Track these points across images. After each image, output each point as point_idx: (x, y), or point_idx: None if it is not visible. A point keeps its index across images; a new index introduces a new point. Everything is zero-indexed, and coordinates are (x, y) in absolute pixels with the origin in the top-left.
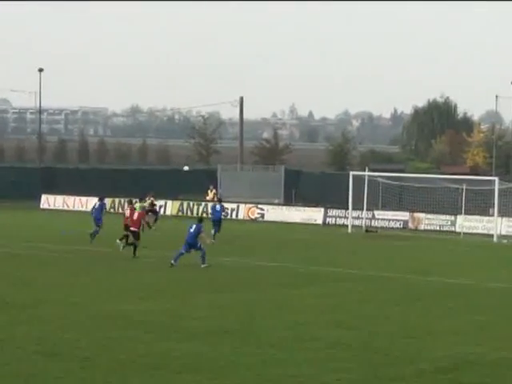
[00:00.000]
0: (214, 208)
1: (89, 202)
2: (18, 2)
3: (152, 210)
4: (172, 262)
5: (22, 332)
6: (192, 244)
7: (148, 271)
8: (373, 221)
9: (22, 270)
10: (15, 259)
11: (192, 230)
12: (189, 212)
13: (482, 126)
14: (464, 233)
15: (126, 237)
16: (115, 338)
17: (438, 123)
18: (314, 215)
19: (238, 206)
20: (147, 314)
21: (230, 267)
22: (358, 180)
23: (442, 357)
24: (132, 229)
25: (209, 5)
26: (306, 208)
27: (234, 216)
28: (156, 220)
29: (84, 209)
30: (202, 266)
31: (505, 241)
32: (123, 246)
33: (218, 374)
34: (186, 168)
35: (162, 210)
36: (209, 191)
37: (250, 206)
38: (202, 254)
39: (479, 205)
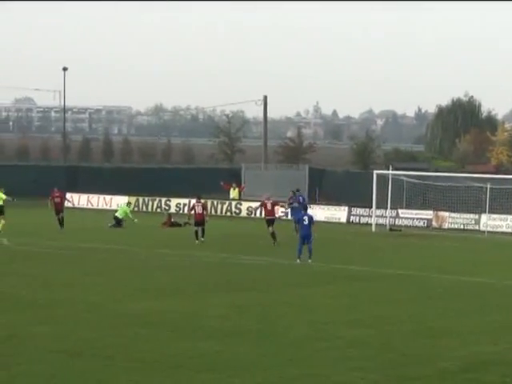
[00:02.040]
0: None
1: (113, 201)
2: (42, 1)
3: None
4: (298, 260)
5: (42, 331)
6: (307, 235)
7: (166, 270)
8: (397, 219)
9: (42, 269)
10: (36, 258)
11: (306, 223)
12: (213, 211)
13: (506, 125)
14: (488, 231)
15: (196, 232)
16: (134, 337)
17: (462, 122)
18: (337, 214)
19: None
20: (166, 313)
21: (249, 266)
22: (382, 179)
23: (461, 356)
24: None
25: (232, 4)
26: (330, 206)
27: (257, 214)
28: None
29: (108, 207)
30: (309, 260)
31: None
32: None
33: (238, 373)
34: None
35: (186, 208)
36: (231, 189)
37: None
38: (311, 247)
39: (503, 203)
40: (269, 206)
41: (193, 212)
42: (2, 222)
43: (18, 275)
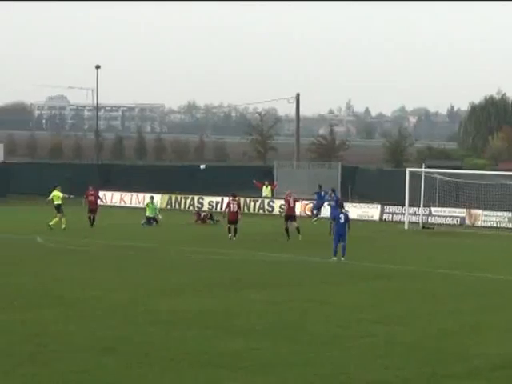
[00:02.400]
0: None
1: (146, 199)
2: (76, 0)
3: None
4: (334, 258)
5: (76, 328)
6: (343, 234)
7: (198, 267)
8: (429, 217)
9: (75, 267)
10: (70, 255)
11: (342, 221)
12: (245, 208)
13: None
14: None
15: (229, 228)
16: (166, 335)
17: (494, 119)
18: (370, 212)
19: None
20: (200, 310)
21: (282, 263)
22: (415, 176)
23: (494, 354)
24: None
25: (264, 3)
26: (363, 204)
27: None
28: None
29: (141, 205)
30: (342, 258)
31: None
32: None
33: (272, 371)
34: (202, 166)
35: (219, 206)
36: (264, 187)
37: (307, 202)
38: (345, 245)
39: None
40: (291, 203)
41: (227, 210)
42: (63, 219)
43: (53, 272)
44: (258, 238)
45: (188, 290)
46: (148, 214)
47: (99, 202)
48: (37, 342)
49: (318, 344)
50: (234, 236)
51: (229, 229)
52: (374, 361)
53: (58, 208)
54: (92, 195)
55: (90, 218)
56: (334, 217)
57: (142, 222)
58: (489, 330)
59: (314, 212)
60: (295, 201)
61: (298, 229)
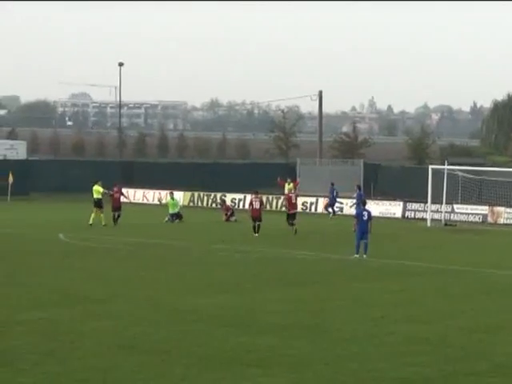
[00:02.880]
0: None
1: (168, 196)
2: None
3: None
4: (356, 255)
5: (98, 326)
6: (365, 231)
7: (221, 265)
8: (452, 214)
9: (98, 264)
10: (93, 253)
11: (366, 218)
12: (268, 206)
13: None
14: None
15: (254, 227)
16: (190, 332)
17: None
18: (392, 209)
19: (316, 200)
20: (222, 308)
21: (303, 261)
22: (438, 174)
23: None
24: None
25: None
26: (385, 202)
27: (312, 210)
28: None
29: (163, 202)
30: (365, 256)
31: None
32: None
33: (293, 368)
34: None
35: (242, 204)
36: (286, 184)
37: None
38: (367, 243)
39: None
40: (293, 199)
41: (251, 207)
42: (101, 215)
43: (76, 270)
44: (281, 236)
45: (211, 288)
46: (171, 210)
47: (124, 199)
48: (58, 340)
49: (340, 341)
50: (257, 233)
51: (254, 228)
52: (398, 358)
53: (98, 203)
54: (116, 193)
55: (114, 216)
56: (358, 214)
57: (166, 219)
58: (511, 327)
59: (329, 210)
60: (297, 197)
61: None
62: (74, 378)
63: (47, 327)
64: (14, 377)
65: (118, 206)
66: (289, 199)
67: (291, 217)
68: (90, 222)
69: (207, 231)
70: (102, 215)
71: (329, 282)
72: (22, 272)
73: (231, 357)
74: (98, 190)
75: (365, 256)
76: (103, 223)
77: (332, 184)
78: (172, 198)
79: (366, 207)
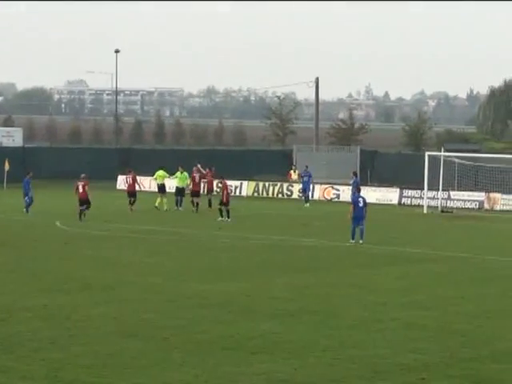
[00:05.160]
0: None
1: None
2: None
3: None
4: (352, 241)
5: (101, 312)
6: (361, 217)
7: (225, 252)
8: (448, 201)
9: (100, 251)
10: (94, 240)
11: (361, 204)
12: (264, 193)
13: None
14: None
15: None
16: (193, 319)
17: None
18: (389, 195)
19: (313, 187)
20: (225, 294)
21: (306, 248)
22: (434, 160)
23: None
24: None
25: None
26: (382, 188)
27: (309, 197)
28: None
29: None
30: (361, 241)
31: None
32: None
33: (295, 354)
34: None
35: (238, 190)
36: (292, 172)
37: (326, 186)
38: (363, 228)
39: None
40: (197, 179)
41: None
42: (164, 199)
43: (78, 257)
44: (279, 223)
45: (212, 275)
46: (177, 184)
47: (119, 185)
48: (61, 326)
49: (343, 327)
50: (223, 217)
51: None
52: (399, 345)
53: (162, 188)
54: (131, 179)
55: (130, 201)
56: (354, 201)
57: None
58: None
59: (303, 197)
60: (201, 178)
61: (197, 204)
62: (76, 363)
63: (50, 313)
64: (15, 363)
65: (130, 191)
66: (193, 179)
67: (194, 194)
68: (156, 204)
69: (206, 218)
70: (165, 200)
71: (332, 268)
72: (25, 258)
73: (234, 343)
74: (162, 175)
75: (361, 242)
76: (165, 208)
77: (306, 166)
78: (182, 172)
79: (362, 194)
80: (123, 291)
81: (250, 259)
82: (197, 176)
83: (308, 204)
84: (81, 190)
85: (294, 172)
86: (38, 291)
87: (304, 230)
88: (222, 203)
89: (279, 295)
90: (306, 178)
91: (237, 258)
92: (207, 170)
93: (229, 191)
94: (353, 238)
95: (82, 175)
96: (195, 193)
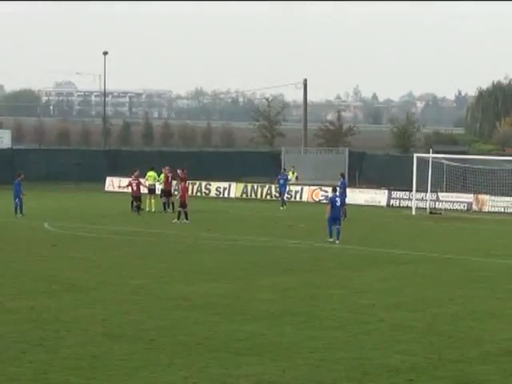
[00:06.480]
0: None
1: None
2: None
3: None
4: (330, 239)
5: (87, 314)
6: (338, 217)
7: (210, 253)
8: (437, 203)
9: (86, 253)
10: (80, 241)
11: (339, 204)
12: (253, 194)
13: None
14: None
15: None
16: (179, 320)
17: (502, 105)
18: (377, 197)
19: (301, 189)
20: (211, 296)
21: (292, 249)
22: (422, 162)
23: (506, 339)
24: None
25: None
26: (370, 190)
27: (297, 198)
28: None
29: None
30: (337, 241)
31: None
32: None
33: (281, 356)
34: None
35: (226, 192)
36: (291, 173)
37: (314, 188)
38: (339, 228)
39: None
40: (169, 179)
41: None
42: (153, 201)
43: (64, 259)
44: (267, 224)
45: (197, 276)
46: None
47: (107, 186)
48: (47, 328)
49: (329, 329)
50: (179, 219)
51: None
52: (385, 346)
53: (152, 189)
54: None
55: (136, 205)
56: (331, 200)
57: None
58: (499, 315)
59: (280, 198)
60: (173, 178)
61: (173, 204)
62: (64, 365)
63: (36, 315)
64: (2, 365)
65: (135, 195)
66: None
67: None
68: (147, 209)
69: (193, 220)
70: (153, 201)
71: (319, 269)
72: (11, 260)
73: (220, 344)
74: (153, 176)
75: (337, 242)
76: (153, 209)
77: (284, 169)
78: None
79: (349, 195)
80: (108, 293)
81: (235, 261)
82: (169, 176)
83: (284, 207)
84: (135, 188)
85: (293, 174)
86: (22, 293)
87: (289, 232)
88: (181, 205)
89: (263, 297)
90: (282, 181)
91: (223, 260)
92: (179, 170)
93: (187, 192)
94: (331, 236)
95: (136, 173)
96: (167, 192)
